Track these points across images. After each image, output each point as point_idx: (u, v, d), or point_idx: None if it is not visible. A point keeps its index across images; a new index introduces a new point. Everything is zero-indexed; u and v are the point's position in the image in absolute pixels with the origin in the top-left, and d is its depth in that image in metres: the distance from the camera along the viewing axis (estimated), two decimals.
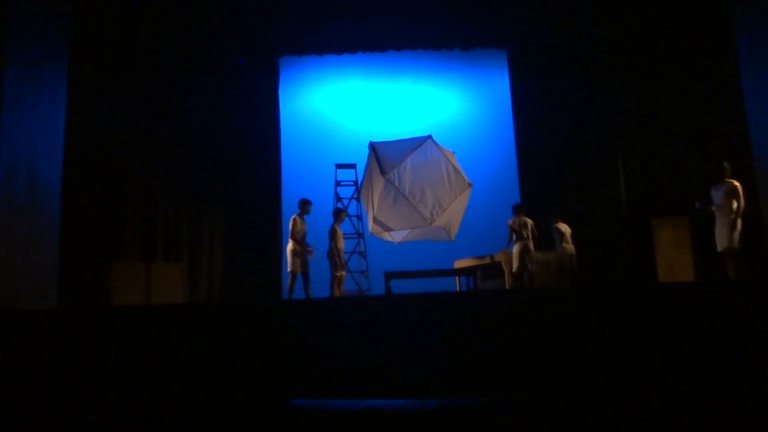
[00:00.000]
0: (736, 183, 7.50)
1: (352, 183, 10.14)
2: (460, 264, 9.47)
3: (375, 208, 9.44)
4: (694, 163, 9.31)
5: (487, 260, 8.99)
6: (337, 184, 10.11)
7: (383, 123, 11.25)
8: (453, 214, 9.43)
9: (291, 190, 10.24)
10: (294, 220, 8.40)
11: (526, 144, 10.27)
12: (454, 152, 9.54)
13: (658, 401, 3.23)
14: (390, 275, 8.62)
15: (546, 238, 9.13)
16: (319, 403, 3.24)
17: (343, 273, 8.63)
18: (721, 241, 7.47)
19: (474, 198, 9.51)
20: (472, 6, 9.58)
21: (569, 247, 8.84)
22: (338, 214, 8.87)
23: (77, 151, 8.54)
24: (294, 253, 8.31)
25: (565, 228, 8.94)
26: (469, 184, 9.22)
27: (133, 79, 9.39)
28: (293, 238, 8.32)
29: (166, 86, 9.67)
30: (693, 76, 9.39)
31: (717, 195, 7.58)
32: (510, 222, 8.85)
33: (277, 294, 9.54)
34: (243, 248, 9.87)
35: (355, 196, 10.04)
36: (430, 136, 9.24)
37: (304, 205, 8.51)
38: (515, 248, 8.71)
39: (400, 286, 8.68)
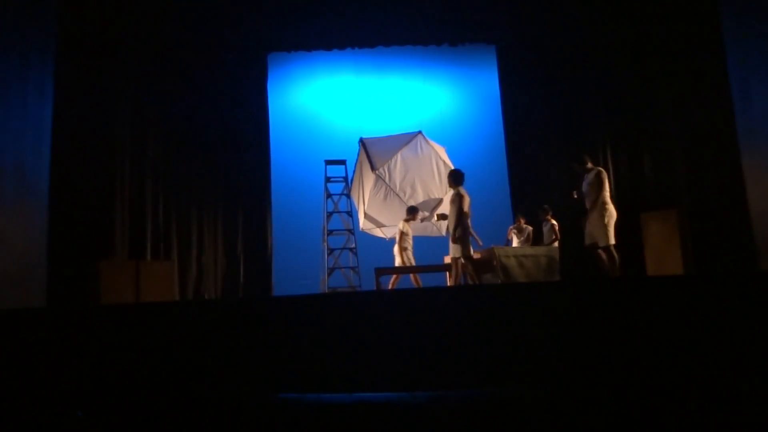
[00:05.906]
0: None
1: (341, 179, 10.13)
2: (450, 259, 9.47)
3: (366, 204, 9.45)
4: (681, 158, 9.37)
5: (477, 255, 9.00)
6: (327, 180, 10.09)
7: (373, 119, 11.26)
8: (443, 209, 9.43)
9: (280, 187, 10.24)
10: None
11: (516, 139, 10.29)
12: (444, 147, 9.56)
13: (647, 395, 3.26)
14: (380, 271, 8.62)
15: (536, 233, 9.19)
16: (309, 396, 3.25)
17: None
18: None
19: None
20: (461, 2, 9.59)
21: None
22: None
23: (65, 147, 8.49)
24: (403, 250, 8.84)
25: (554, 223, 9.04)
26: None
27: (121, 75, 9.33)
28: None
29: (154, 83, 9.62)
30: (681, 71, 9.45)
31: None
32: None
33: (266, 289, 9.54)
34: (232, 245, 9.85)
35: (344, 192, 10.03)
36: (420, 132, 9.25)
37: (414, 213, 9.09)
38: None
39: (390, 282, 8.69)
